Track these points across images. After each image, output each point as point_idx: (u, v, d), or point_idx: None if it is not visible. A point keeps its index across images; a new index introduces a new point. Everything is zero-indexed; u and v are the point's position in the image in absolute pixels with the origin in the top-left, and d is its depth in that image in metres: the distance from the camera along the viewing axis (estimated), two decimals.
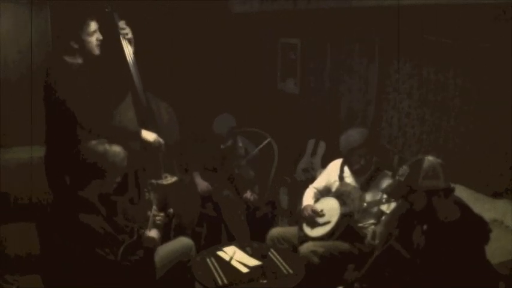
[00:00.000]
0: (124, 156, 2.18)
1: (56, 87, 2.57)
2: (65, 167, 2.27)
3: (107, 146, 2.14)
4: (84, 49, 2.68)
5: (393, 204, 2.78)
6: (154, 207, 2.48)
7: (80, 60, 2.69)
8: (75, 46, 2.65)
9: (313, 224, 2.92)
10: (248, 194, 3.63)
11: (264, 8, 4.28)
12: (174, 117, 3.16)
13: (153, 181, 2.92)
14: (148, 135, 2.86)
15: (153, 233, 2.33)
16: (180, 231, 3.01)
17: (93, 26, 2.68)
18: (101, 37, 2.73)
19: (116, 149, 2.16)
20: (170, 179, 3.02)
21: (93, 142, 2.16)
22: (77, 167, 2.10)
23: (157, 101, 3.06)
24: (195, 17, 4.50)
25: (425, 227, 2.05)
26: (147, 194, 2.63)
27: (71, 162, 2.14)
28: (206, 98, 4.65)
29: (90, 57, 2.71)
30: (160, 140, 2.91)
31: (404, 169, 2.07)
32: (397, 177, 2.10)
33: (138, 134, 2.83)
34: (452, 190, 2.01)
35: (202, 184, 3.58)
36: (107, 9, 2.87)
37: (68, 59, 2.66)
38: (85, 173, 2.08)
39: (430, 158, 2.07)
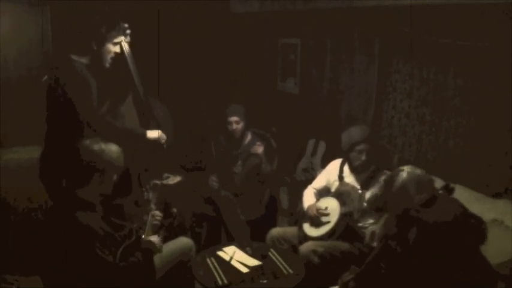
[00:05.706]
0: (120, 154, 2.14)
1: (61, 84, 2.52)
2: (62, 166, 2.24)
3: (102, 145, 2.10)
4: (98, 54, 2.60)
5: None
6: (152, 206, 2.46)
7: (85, 61, 2.61)
8: (94, 47, 2.58)
9: (319, 224, 2.91)
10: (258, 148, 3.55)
11: (264, 8, 4.28)
12: (169, 116, 3.15)
13: (157, 181, 2.92)
14: (153, 134, 2.85)
15: (153, 238, 2.32)
16: (180, 231, 3.00)
17: (120, 37, 2.65)
18: (118, 51, 2.68)
19: (112, 147, 2.13)
20: (173, 179, 3.02)
21: (88, 141, 2.10)
22: (73, 167, 2.08)
23: (154, 101, 3.07)
24: (195, 17, 4.50)
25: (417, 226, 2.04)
26: (145, 193, 2.62)
27: (67, 161, 2.11)
28: (206, 98, 4.65)
29: (98, 63, 2.64)
30: (163, 135, 2.90)
31: (380, 183, 2.04)
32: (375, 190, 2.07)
33: (144, 136, 2.81)
34: (434, 199, 1.98)
35: (212, 180, 3.60)
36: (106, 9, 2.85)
37: (75, 57, 2.59)
38: (81, 173, 2.06)
39: (404, 174, 2.03)
